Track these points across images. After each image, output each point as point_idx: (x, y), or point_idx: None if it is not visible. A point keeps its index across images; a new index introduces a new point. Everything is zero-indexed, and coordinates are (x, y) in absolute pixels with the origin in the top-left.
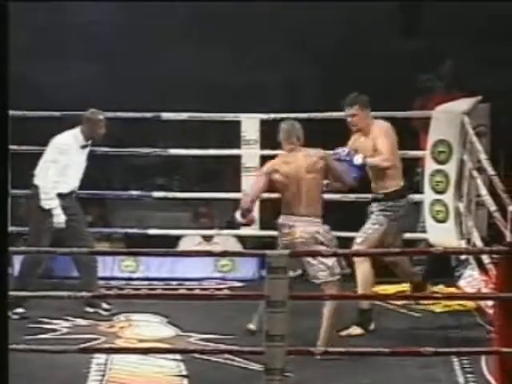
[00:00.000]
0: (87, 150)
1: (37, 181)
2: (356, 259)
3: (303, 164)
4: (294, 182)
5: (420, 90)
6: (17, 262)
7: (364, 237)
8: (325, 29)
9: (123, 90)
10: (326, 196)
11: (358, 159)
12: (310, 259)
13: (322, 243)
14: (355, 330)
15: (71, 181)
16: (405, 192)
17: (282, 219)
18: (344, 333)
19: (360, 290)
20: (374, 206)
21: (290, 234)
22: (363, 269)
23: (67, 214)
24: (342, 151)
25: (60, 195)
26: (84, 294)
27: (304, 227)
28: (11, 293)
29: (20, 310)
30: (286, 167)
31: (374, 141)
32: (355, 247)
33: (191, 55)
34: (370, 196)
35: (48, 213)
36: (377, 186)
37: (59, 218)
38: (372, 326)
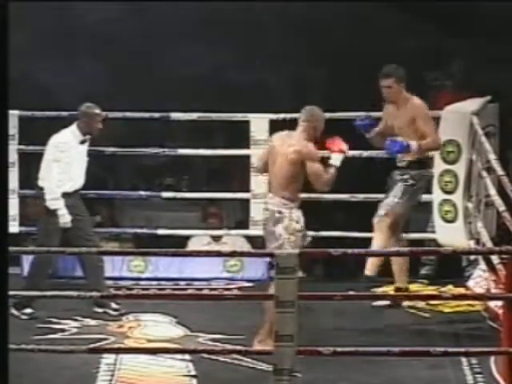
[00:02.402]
0: (86, 145)
1: (41, 182)
2: (377, 227)
3: (281, 146)
4: (271, 159)
5: (428, 89)
6: (26, 263)
7: (387, 209)
8: (332, 28)
9: (131, 90)
10: (334, 196)
11: (413, 146)
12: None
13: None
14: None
15: (75, 178)
16: (429, 162)
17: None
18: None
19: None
20: (397, 175)
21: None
22: (379, 239)
23: (72, 213)
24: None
25: (65, 194)
26: (94, 293)
27: (271, 205)
28: (19, 292)
29: (29, 311)
30: (273, 143)
31: (411, 117)
32: (377, 219)
33: (199, 55)
34: (378, 196)
35: (54, 213)
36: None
37: (65, 218)
38: None
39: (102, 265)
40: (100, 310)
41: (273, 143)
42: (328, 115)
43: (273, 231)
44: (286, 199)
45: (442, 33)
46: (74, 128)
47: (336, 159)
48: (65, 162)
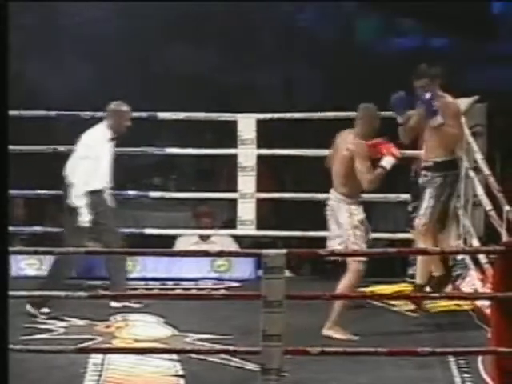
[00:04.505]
0: (113, 144)
1: (68, 179)
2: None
3: (340, 144)
4: (333, 156)
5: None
6: (14, 263)
7: (422, 219)
8: (320, 29)
9: (119, 89)
10: None
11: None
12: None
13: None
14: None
15: (102, 177)
16: (455, 162)
17: None
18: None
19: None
20: (423, 176)
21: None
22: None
23: (97, 211)
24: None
25: (93, 192)
26: (81, 293)
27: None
28: (17, 293)
29: (46, 310)
30: (336, 141)
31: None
32: (415, 231)
33: (188, 55)
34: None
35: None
36: (428, 154)
37: (84, 217)
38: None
39: (125, 264)
40: (119, 305)
41: (336, 141)
42: (316, 115)
43: (335, 227)
44: (345, 195)
45: (428, 32)
46: (103, 126)
47: (387, 162)
48: (93, 161)
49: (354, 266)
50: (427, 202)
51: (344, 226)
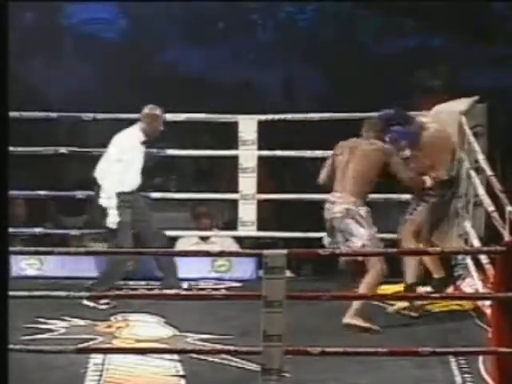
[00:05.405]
0: (144, 147)
1: (100, 180)
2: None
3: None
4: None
5: (418, 88)
6: (15, 264)
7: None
8: (322, 28)
9: (119, 90)
10: None
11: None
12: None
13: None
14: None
15: (134, 178)
16: (453, 182)
17: None
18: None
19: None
20: (421, 195)
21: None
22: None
23: (135, 210)
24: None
25: (125, 193)
26: (82, 293)
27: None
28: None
29: (105, 301)
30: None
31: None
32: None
33: (188, 55)
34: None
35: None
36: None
37: (113, 218)
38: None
39: (176, 263)
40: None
41: (347, 148)
42: (317, 116)
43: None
44: (359, 198)
45: (429, 32)
46: (136, 129)
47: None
48: (125, 163)
49: (378, 265)
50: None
51: (363, 227)
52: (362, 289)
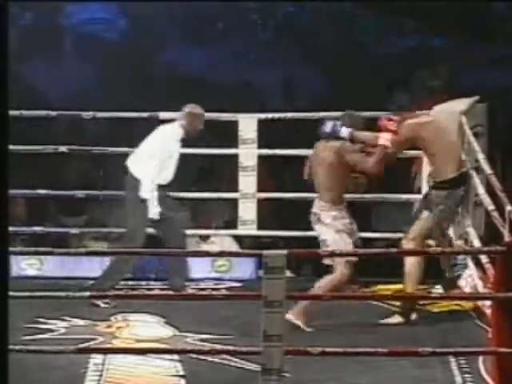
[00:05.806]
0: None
1: (136, 173)
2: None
3: (318, 154)
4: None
5: (418, 88)
6: (15, 264)
7: (414, 233)
8: (322, 28)
9: (119, 90)
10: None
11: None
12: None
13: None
14: (395, 319)
15: (168, 173)
16: (459, 181)
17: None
18: (383, 321)
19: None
20: (429, 195)
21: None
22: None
23: (164, 207)
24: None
25: (161, 186)
26: (82, 293)
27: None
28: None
29: (106, 300)
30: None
31: None
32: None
33: (188, 55)
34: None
35: (145, 204)
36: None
37: (155, 209)
38: (414, 317)
39: (185, 264)
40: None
41: (314, 153)
42: (316, 115)
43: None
44: (329, 202)
45: (429, 32)
46: (176, 125)
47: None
48: (164, 157)
49: (340, 268)
50: (421, 222)
51: (328, 230)
52: (315, 289)
